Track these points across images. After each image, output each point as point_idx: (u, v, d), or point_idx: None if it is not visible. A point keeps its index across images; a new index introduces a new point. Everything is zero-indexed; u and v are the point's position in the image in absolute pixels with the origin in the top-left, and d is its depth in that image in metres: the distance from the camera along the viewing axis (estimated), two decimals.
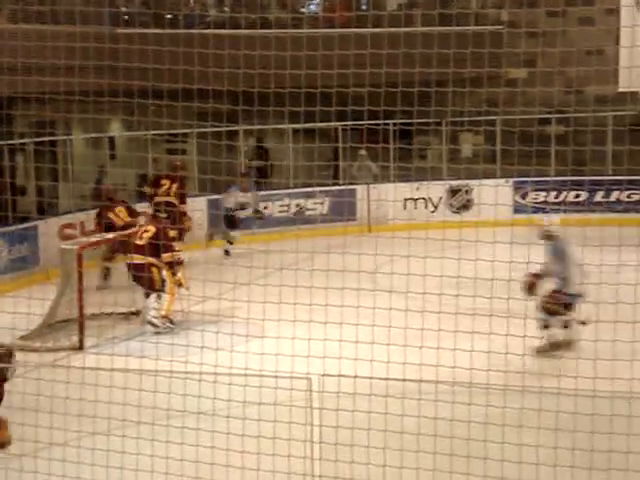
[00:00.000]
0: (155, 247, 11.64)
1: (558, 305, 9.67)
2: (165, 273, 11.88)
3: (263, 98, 7.19)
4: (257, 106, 6.84)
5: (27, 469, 5.99)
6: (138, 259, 11.85)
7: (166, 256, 11.78)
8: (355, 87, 6.79)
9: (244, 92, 7.00)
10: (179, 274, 11.88)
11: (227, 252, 16.24)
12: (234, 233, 16.59)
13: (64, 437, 6.38)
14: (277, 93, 7.01)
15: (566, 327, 9.74)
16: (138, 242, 12.00)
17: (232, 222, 16.54)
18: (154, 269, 11.77)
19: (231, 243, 16.44)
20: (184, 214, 15.53)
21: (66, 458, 6.15)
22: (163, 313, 11.78)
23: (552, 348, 9.80)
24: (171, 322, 11.74)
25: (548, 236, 10.17)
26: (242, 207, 16.67)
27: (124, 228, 13.54)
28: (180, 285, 11.85)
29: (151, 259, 11.77)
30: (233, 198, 16.66)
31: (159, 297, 11.79)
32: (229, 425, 6.27)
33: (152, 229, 12.11)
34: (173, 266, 11.86)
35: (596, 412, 5.84)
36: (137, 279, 11.82)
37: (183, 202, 15.72)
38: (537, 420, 5.89)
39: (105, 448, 6.28)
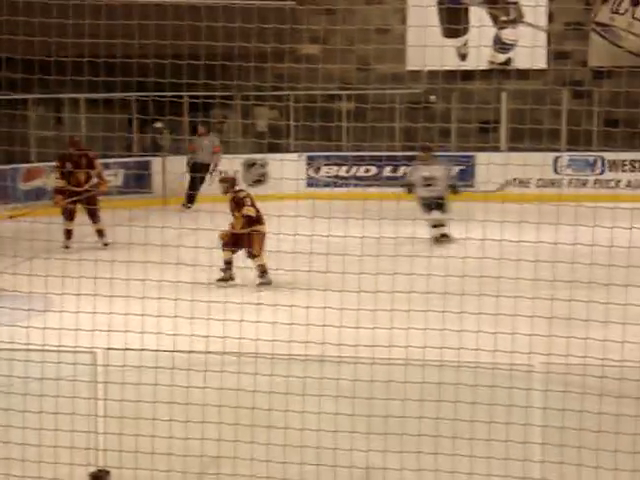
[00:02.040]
0: None
1: None
2: None
3: (44, 66, 6.99)
4: (38, 74, 6.65)
5: None
6: None
7: None
8: (140, 58, 6.72)
9: (23, 60, 6.80)
10: None
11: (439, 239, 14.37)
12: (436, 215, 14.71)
13: None
14: (59, 62, 6.83)
15: None
16: None
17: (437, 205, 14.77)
18: None
19: (442, 226, 14.55)
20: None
21: None
22: None
23: None
24: None
25: None
26: (428, 183, 14.93)
27: None
28: None
29: None
30: (418, 173, 15.09)
31: None
32: (10, 401, 6.13)
33: None
34: None
35: (375, 379, 6.08)
36: None
37: None
38: (319, 388, 6.07)
39: None
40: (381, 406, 6.11)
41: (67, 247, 14.10)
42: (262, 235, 11.88)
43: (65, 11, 6.33)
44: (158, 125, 20.03)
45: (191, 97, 14.62)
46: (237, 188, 12.63)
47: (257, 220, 12.15)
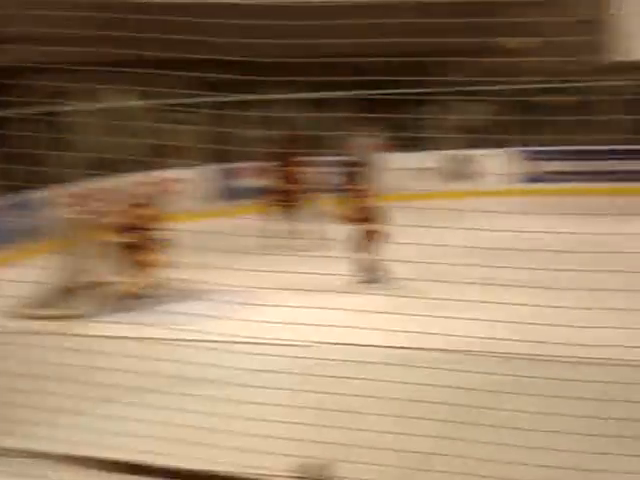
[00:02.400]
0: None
1: None
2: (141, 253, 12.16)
3: (275, 68, 7.19)
4: (269, 76, 6.83)
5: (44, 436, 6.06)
6: (125, 237, 12.22)
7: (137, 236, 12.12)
8: (358, 56, 6.78)
9: (256, 62, 7.03)
10: (157, 255, 12.12)
11: None
12: None
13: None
14: (287, 63, 7.00)
15: None
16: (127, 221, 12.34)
17: None
18: (134, 248, 12.08)
19: None
20: None
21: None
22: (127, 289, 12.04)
23: None
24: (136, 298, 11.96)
25: None
26: None
27: None
28: (155, 265, 12.14)
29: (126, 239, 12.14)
30: None
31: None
32: (223, 392, 6.32)
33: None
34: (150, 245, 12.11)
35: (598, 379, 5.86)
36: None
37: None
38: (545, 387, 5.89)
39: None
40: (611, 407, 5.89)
41: (279, 246, 14.25)
42: (377, 233, 11.95)
43: (285, 13, 6.50)
44: (370, 124, 20.18)
45: (402, 94, 14.62)
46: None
47: (367, 217, 12.24)
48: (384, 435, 5.97)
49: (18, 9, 7.40)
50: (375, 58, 6.98)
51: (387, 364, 6.30)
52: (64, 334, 8.71)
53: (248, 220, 12.67)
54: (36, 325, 9.68)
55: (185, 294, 11.17)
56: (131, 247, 12.22)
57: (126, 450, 5.85)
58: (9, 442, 5.77)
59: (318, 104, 17.34)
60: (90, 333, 7.32)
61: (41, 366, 6.57)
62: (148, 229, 12.09)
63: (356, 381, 6.08)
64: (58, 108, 16.27)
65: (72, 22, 7.39)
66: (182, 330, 7.04)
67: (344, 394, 6.11)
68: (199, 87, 10.62)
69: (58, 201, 14.98)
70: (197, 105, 17.99)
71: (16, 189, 15.56)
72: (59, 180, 16.72)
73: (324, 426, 6.06)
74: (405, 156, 18.92)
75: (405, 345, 6.75)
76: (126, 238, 12.19)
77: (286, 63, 7.16)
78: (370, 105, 17.26)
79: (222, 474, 5.51)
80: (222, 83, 8.20)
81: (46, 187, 15.81)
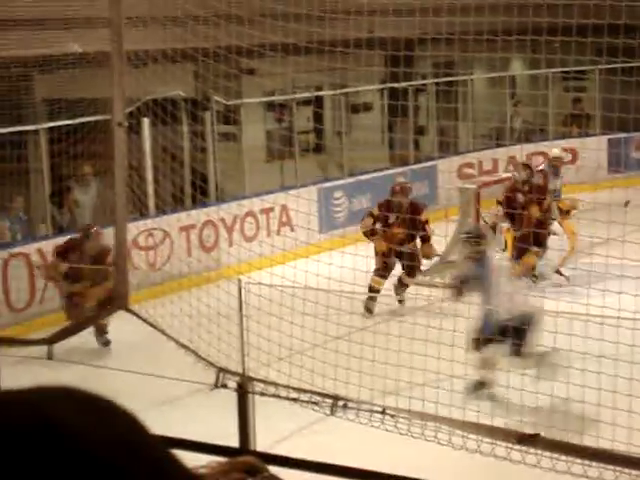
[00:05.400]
0: None
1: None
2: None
3: None
4: None
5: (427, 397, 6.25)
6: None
7: None
8: None
9: None
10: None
11: None
12: None
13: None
14: None
15: None
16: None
17: None
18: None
19: None
20: None
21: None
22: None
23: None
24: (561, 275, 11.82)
25: None
26: None
27: None
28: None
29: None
30: None
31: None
32: (632, 370, 6.10)
33: None
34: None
35: None
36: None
37: None
38: None
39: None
40: None
41: None
42: None
43: None
44: None
45: None
46: None
47: None
48: None
49: None
50: None
51: None
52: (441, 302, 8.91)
53: None
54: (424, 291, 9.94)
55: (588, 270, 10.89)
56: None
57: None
58: (392, 401, 6.01)
59: None
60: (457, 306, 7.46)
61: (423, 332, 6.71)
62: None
63: None
64: (449, 79, 16.48)
65: None
66: (588, 306, 6.85)
67: None
68: (592, 54, 10.23)
69: (453, 170, 15.24)
70: (591, 72, 17.47)
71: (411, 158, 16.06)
72: (454, 149, 17.07)
73: None
74: None
75: None
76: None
77: None
78: None
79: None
80: (617, 49, 7.84)
81: (442, 156, 16.16)
